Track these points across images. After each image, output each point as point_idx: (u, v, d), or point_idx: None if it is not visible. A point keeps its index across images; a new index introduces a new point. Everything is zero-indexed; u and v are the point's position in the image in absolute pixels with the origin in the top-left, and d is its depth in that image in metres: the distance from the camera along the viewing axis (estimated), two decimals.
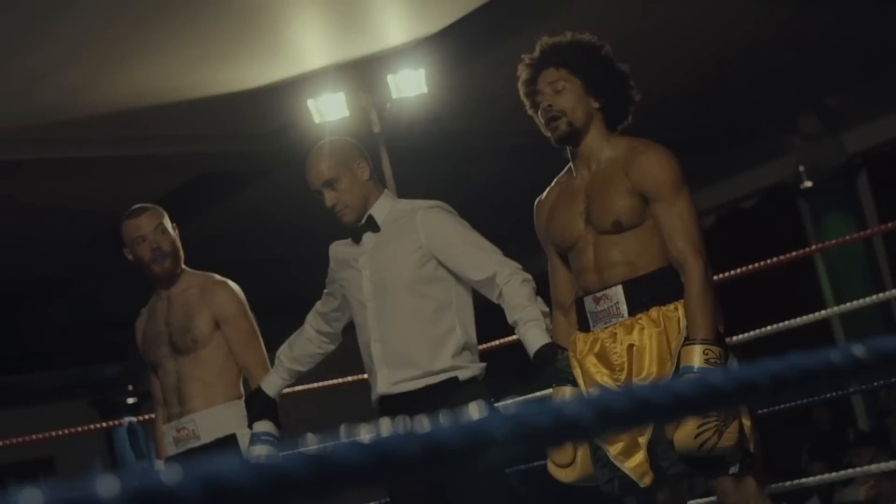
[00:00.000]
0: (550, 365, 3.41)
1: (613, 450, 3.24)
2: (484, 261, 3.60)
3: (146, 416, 5.35)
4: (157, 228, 4.05)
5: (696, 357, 3.11)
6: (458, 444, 0.62)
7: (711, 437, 3.07)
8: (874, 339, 0.87)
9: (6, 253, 10.47)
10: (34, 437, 5.69)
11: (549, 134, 3.37)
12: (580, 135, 3.34)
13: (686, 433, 3.07)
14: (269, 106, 8.84)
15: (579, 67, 3.32)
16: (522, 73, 3.42)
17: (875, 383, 5.48)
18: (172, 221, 4.14)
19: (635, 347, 3.22)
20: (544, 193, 3.52)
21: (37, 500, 0.53)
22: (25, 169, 8.99)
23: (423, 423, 0.63)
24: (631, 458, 3.23)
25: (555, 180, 3.51)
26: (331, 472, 0.56)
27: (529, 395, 5.48)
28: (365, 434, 0.61)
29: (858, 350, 0.84)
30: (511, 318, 3.56)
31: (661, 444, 3.20)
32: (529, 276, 3.59)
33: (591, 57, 3.35)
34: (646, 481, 3.23)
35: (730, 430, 3.08)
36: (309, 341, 3.97)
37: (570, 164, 3.44)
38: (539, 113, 3.37)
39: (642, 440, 3.21)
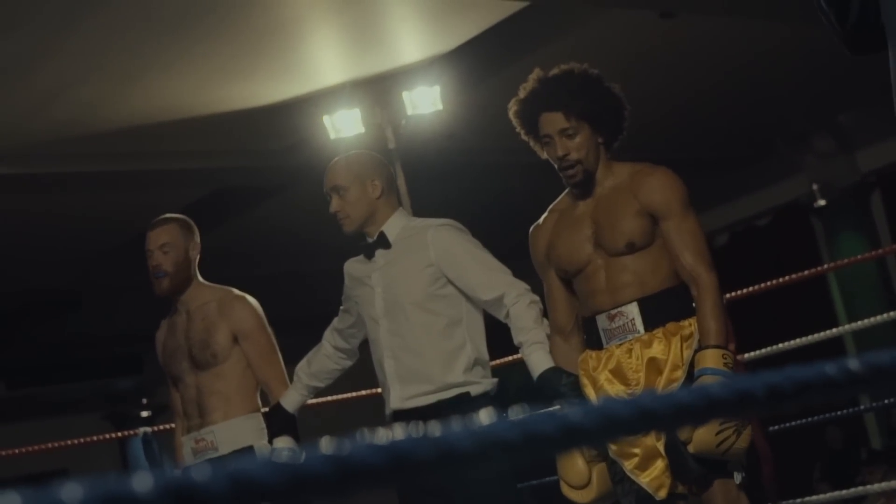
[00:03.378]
0: (554, 388, 3.44)
1: (629, 464, 3.29)
2: (493, 281, 3.64)
3: (161, 427, 5.38)
4: (163, 246, 4.05)
5: (713, 359, 3.16)
6: (469, 447, 0.65)
7: (731, 437, 3.12)
8: (870, 352, 0.90)
9: (22, 265, 10.53)
10: (49, 445, 5.72)
11: (560, 173, 3.41)
12: (592, 174, 3.40)
13: (708, 431, 3.11)
14: (284, 122, 8.89)
15: (587, 113, 3.36)
16: (517, 105, 3.43)
17: (886, 401, 5.49)
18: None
19: (656, 360, 3.27)
20: (541, 220, 3.55)
21: (76, 496, 0.56)
22: (42, 182, 9.05)
23: (435, 428, 0.67)
24: (646, 472, 3.27)
25: (550, 207, 3.55)
26: (349, 472, 0.60)
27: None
28: (381, 438, 0.65)
29: (853, 363, 0.87)
30: (517, 339, 3.60)
31: (677, 444, 3.24)
32: (537, 298, 3.63)
33: (596, 98, 3.37)
34: (661, 494, 3.27)
35: (746, 432, 3.15)
36: (327, 357, 4.02)
37: (569, 190, 3.48)
38: (551, 158, 3.41)
39: (660, 445, 3.25)
